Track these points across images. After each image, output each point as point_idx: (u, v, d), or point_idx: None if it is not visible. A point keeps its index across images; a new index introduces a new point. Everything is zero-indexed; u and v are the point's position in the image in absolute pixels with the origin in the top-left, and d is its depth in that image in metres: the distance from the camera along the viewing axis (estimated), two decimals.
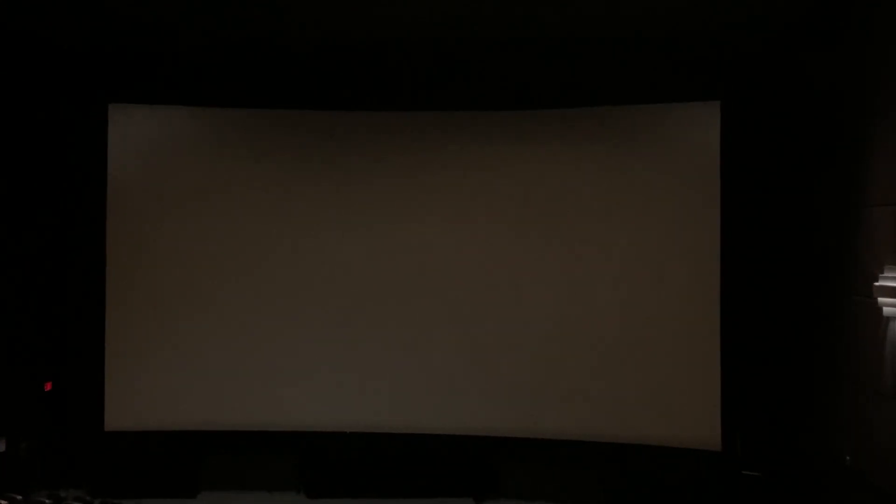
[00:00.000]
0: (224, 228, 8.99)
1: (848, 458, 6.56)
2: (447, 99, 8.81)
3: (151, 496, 8.56)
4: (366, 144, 8.97)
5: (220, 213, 9.01)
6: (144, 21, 8.06)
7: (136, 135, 9.03)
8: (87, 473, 8.84)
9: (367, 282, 8.93)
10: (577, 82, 8.61)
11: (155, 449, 8.92)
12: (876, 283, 5.91)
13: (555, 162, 8.80)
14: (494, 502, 8.81)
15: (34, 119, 8.81)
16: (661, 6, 7.42)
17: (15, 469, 8.45)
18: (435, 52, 8.59)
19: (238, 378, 8.90)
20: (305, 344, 8.94)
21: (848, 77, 6.92)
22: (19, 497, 7.12)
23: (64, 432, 8.96)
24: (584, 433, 8.54)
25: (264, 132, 9.05)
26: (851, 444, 6.57)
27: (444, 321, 8.86)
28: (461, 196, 8.91)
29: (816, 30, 7.56)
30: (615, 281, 8.57)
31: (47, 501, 7.09)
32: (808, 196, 7.71)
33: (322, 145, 9.03)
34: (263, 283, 8.98)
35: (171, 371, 8.91)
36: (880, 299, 5.82)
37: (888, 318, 5.84)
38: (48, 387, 8.90)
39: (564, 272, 8.69)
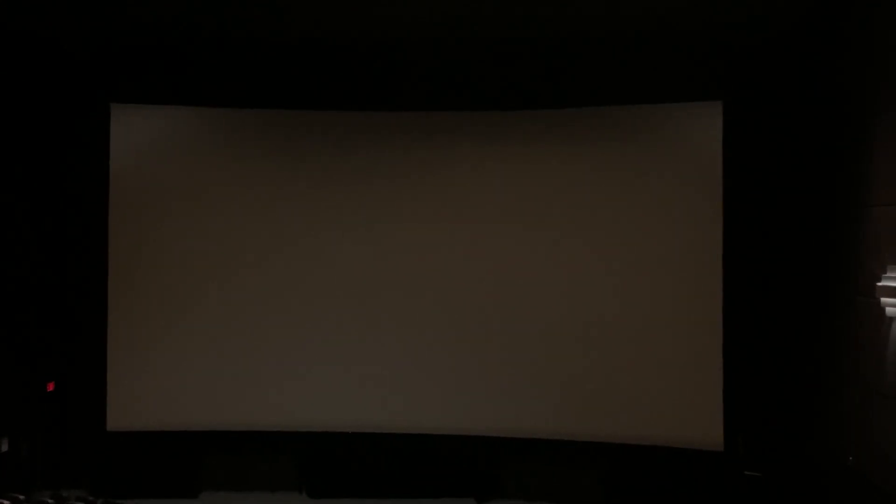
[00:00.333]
0: (226, 228, 8.99)
1: (850, 458, 6.55)
2: (448, 99, 8.79)
3: (153, 496, 8.56)
4: (367, 144, 8.95)
5: (221, 212, 9.00)
6: (146, 21, 8.08)
7: (137, 134, 9.03)
8: (89, 473, 8.85)
9: (369, 282, 8.93)
10: (579, 82, 8.60)
11: (157, 449, 8.93)
12: (879, 284, 5.90)
13: (557, 162, 8.79)
14: (497, 502, 8.80)
15: (36, 119, 8.82)
16: (663, 5, 7.42)
17: (17, 469, 8.46)
18: (435, 52, 8.59)
19: (240, 378, 8.90)
20: (307, 344, 8.93)
21: (850, 76, 6.91)
22: (21, 497, 7.12)
23: (66, 432, 8.97)
24: (586, 433, 8.53)
25: (266, 132, 9.05)
26: (854, 444, 6.55)
27: (445, 321, 8.85)
28: (462, 196, 8.90)
29: (819, 29, 7.55)
30: (617, 281, 8.55)
31: (49, 501, 7.10)
32: (810, 196, 7.69)
33: (325, 145, 9.02)
34: (265, 283, 8.98)
35: (174, 371, 8.92)
36: (883, 299, 5.81)
37: (891, 319, 5.83)
38: (50, 387, 8.91)
39: (566, 272, 8.67)
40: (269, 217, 9.02)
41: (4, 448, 8.41)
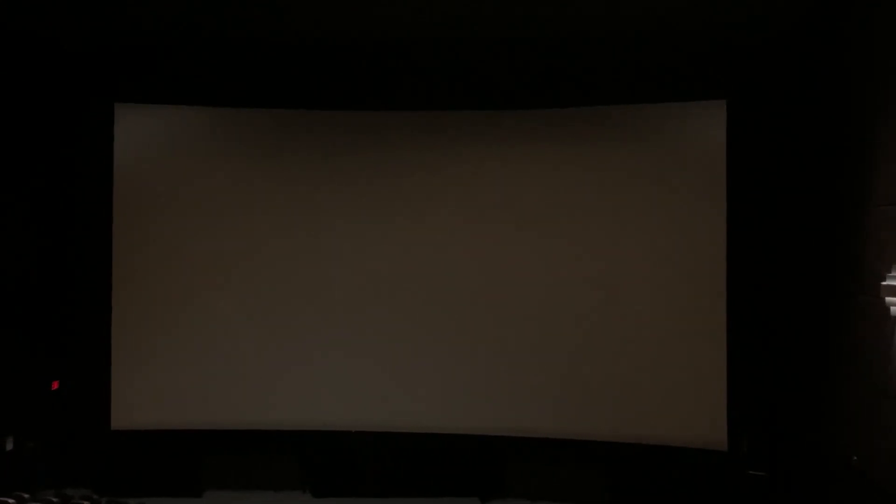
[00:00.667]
0: (229, 228, 9.01)
1: (855, 458, 6.54)
2: (450, 99, 8.79)
3: (157, 495, 8.55)
4: (368, 144, 8.96)
5: (224, 212, 9.02)
6: (150, 20, 8.10)
7: (141, 134, 9.05)
8: (93, 472, 8.86)
9: (371, 282, 8.93)
10: (582, 81, 8.59)
11: (160, 448, 8.94)
12: (883, 283, 5.89)
13: (559, 162, 8.79)
14: (500, 501, 8.80)
15: (40, 118, 8.83)
16: (666, 5, 7.41)
17: (21, 467, 8.48)
18: (435, 52, 8.60)
19: (244, 377, 8.91)
20: (310, 343, 8.94)
21: (855, 75, 6.90)
22: (26, 495, 7.14)
23: (70, 431, 8.98)
24: (590, 433, 8.53)
25: (269, 132, 9.06)
26: (858, 444, 6.54)
27: (448, 320, 8.86)
28: (465, 196, 8.90)
29: (822, 28, 7.53)
30: (620, 280, 8.55)
31: (54, 500, 7.11)
32: (814, 195, 7.68)
33: (328, 145, 9.03)
34: (268, 282, 8.99)
35: (178, 370, 8.93)
36: (887, 298, 5.80)
37: (895, 318, 5.81)
38: (54, 386, 8.93)
39: (570, 271, 8.67)
40: (272, 216, 9.03)
41: (9, 447, 8.43)
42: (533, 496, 8.69)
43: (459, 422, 8.77)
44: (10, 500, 6.75)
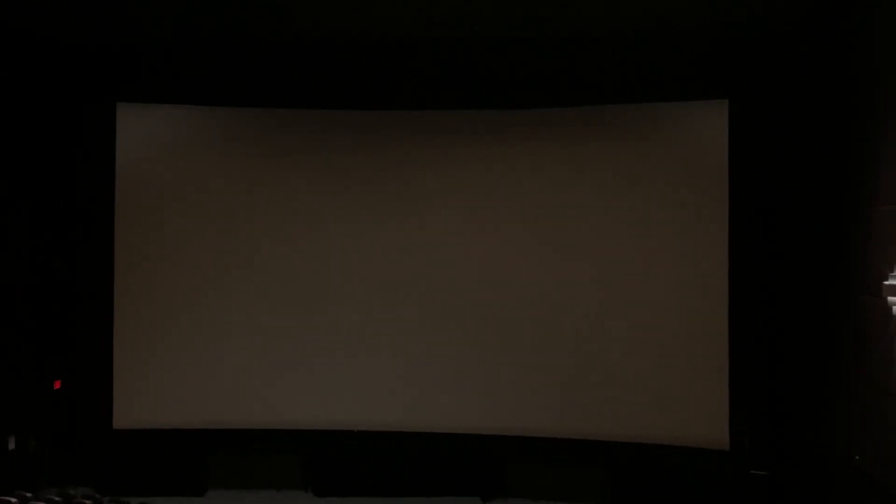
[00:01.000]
0: (230, 227, 9.02)
1: (857, 457, 6.53)
2: (450, 99, 8.81)
3: (159, 494, 8.56)
4: (370, 144, 8.97)
5: (226, 211, 9.03)
6: (151, 21, 8.11)
7: (143, 133, 9.06)
8: (96, 471, 8.88)
9: (374, 282, 8.95)
10: (585, 81, 8.59)
11: (163, 447, 8.95)
12: (886, 283, 5.88)
13: (562, 161, 8.79)
14: (502, 501, 8.80)
15: (43, 118, 8.85)
16: (669, 5, 7.40)
17: (24, 466, 8.49)
18: (438, 52, 8.61)
19: (246, 376, 8.92)
20: (312, 343, 8.95)
21: (857, 75, 6.89)
22: (29, 494, 7.16)
23: (72, 430, 9.00)
24: (591, 432, 8.53)
25: (271, 131, 9.08)
26: (860, 443, 6.54)
27: (450, 320, 8.86)
28: (466, 196, 8.91)
29: (824, 28, 7.52)
30: (623, 280, 8.55)
31: (56, 499, 7.13)
32: (816, 194, 7.67)
33: (330, 144, 9.04)
34: (271, 282, 9.00)
35: (180, 369, 8.94)
36: (890, 298, 5.79)
37: None
38: (57, 385, 8.93)
39: (572, 271, 8.68)
40: (272, 216, 9.04)
41: (12, 446, 8.45)
42: (534, 496, 8.69)
43: (461, 421, 8.77)
44: (13, 500, 6.76)
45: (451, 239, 8.91)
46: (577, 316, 8.66)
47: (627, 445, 8.45)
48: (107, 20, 8.10)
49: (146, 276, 8.98)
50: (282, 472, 9.00)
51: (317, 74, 8.90)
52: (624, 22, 7.80)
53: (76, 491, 7.98)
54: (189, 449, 8.99)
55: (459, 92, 8.76)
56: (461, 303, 8.85)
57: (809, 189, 7.79)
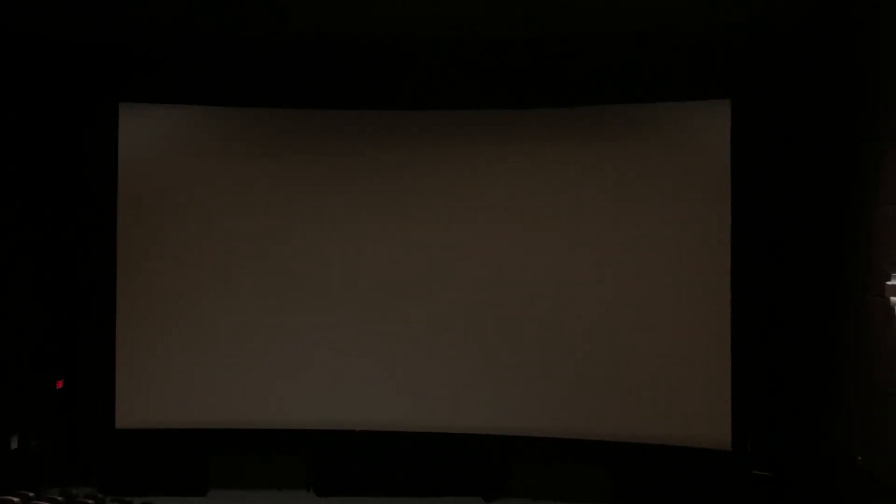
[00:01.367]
0: (232, 227, 9.02)
1: (860, 458, 6.52)
2: (450, 99, 8.80)
3: (161, 494, 8.57)
4: (370, 144, 8.96)
5: (227, 211, 9.03)
6: (153, 21, 8.11)
7: (146, 133, 9.06)
8: (98, 471, 8.89)
9: (376, 282, 8.93)
10: (586, 81, 8.59)
11: (165, 447, 8.95)
12: (888, 283, 5.87)
13: (564, 161, 8.77)
14: (504, 501, 8.80)
15: (46, 118, 8.86)
16: (671, 5, 7.39)
17: (26, 466, 8.50)
18: (439, 51, 8.61)
19: (248, 377, 8.92)
20: (314, 343, 8.95)
21: (859, 75, 6.87)
22: (31, 494, 7.17)
23: (75, 430, 9.02)
24: (593, 432, 8.51)
25: (273, 131, 9.07)
26: (863, 443, 6.52)
27: (452, 320, 8.85)
28: (467, 196, 8.90)
29: (826, 28, 7.50)
30: (625, 280, 8.53)
31: (59, 498, 7.14)
32: (818, 194, 7.65)
33: (330, 144, 9.03)
34: (273, 282, 8.99)
35: (182, 369, 8.94)
36: (892, 298, 5.78)
37: None
38: (59, 385, 8.94)
39: (575, 271, 8.66)
40: (277, 216, 9.03)
41: (14, 445, 8.46)
42: (536, 496, 8.68)
43: (463, 421, 8.76)
44: (16, 499, 6.77)
45: (452, 238, 8.90)
46: (579, 316, 8.64)
47: (630, 446, 8.44)
48: (109, 20, 8.12)
49: (148, 275, 8.98)
50: (284, 472, 9.00)
51: (317, 74, 8.91)
52: (625, 22, 7.79)
53: (78, 490, 8.01)
54: (191, 449, 8.99)
55: (460, 92, 8.75)
56: (462, 303, 8.84)
57: (811, 189, 7.77)
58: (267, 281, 9.00)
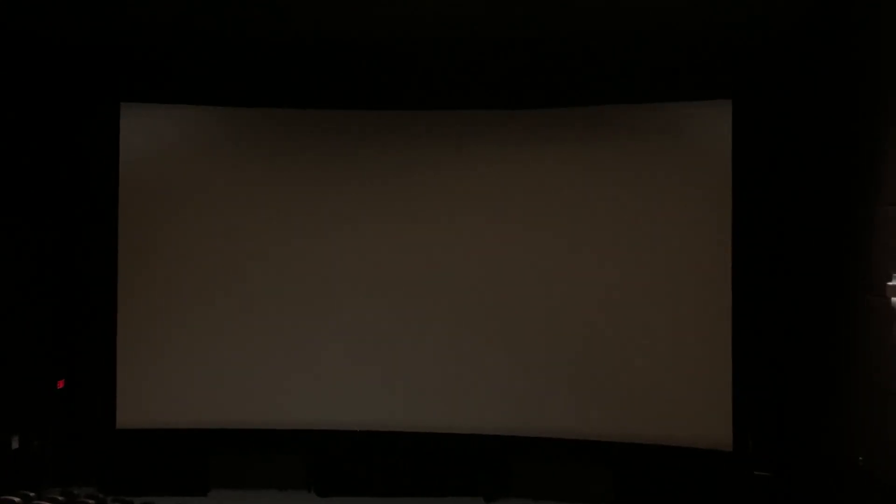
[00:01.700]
0: (233, 227, 9.02)
1: (861, 458, 6.51)
2: (450, 99, 8.80)
3: (162, 494, 8.58)
4: (370, 144, 8.96)
5: (228, 211, 9.03)
6: (154, 21, 8.12)
7: (147, 133, 9.07)
8: (99, 471, 8.91)
9: (377, 282, 8.93)
10: (587, 81, 8.58)
11: (166, 447, 8.97)
12: (889, 283, 5.86)
13: (564, 161, 8.76)
14: (505, 501, 8.79)
15: (46, 118, 8.88)
16: (672, 5, 7.38)
17: (27, 466, 8.52)
18: (439, 51, 8.61)
19: (249, 377, 8.92)
20: (315, 343, 8.95)
21: (860, 75, 6.86)
22: (32, 493, 7.18)
23: (76, 430, 9.03)
24: (594, 433, 8.51)
25: (275, 131, 9.08)
26: (864, 444, 6.51)
27: (453, 320, 8.85)
28: (468, 196, 8.89)
29: (827, 28, 7.49)
30: (626, 281, 8.52)
31: (60, 498, 7.15)
32: (820, 194, 7.64)
33: (330, 144, 9.04)
34: (274, 281, 9.00)
35: (183, 369, 8.95)
36: (893, 298, 5.77)
37: None
38: (60, 384, 8.96)
39: (575, 271, 8.65)
40: (277, 215, 9.04)
41: (15, 445, 8.47)
42: (537, 496, 8.68)
43: (464, 422, 8.76)
44: (16, 499, 6.78)
45: (453, 238, 8.89)
46: (580, 316, 8.63)
47: (631, 446, 8.43)
48: (109, 21, 8.13)
49: (149, 275, 8.99)
50: (284, 472, 9.01)
51: (317, 74, 8.91)
52: (625, 22, 7.78)
53: (79, 490, 8.01)
54: (192, 449, 9.00)
55: (460, 92, 8.75)
56: (465, 304, 8.83)
57: (813, 189, 7.76)
58: (267, 281, 9.00)
